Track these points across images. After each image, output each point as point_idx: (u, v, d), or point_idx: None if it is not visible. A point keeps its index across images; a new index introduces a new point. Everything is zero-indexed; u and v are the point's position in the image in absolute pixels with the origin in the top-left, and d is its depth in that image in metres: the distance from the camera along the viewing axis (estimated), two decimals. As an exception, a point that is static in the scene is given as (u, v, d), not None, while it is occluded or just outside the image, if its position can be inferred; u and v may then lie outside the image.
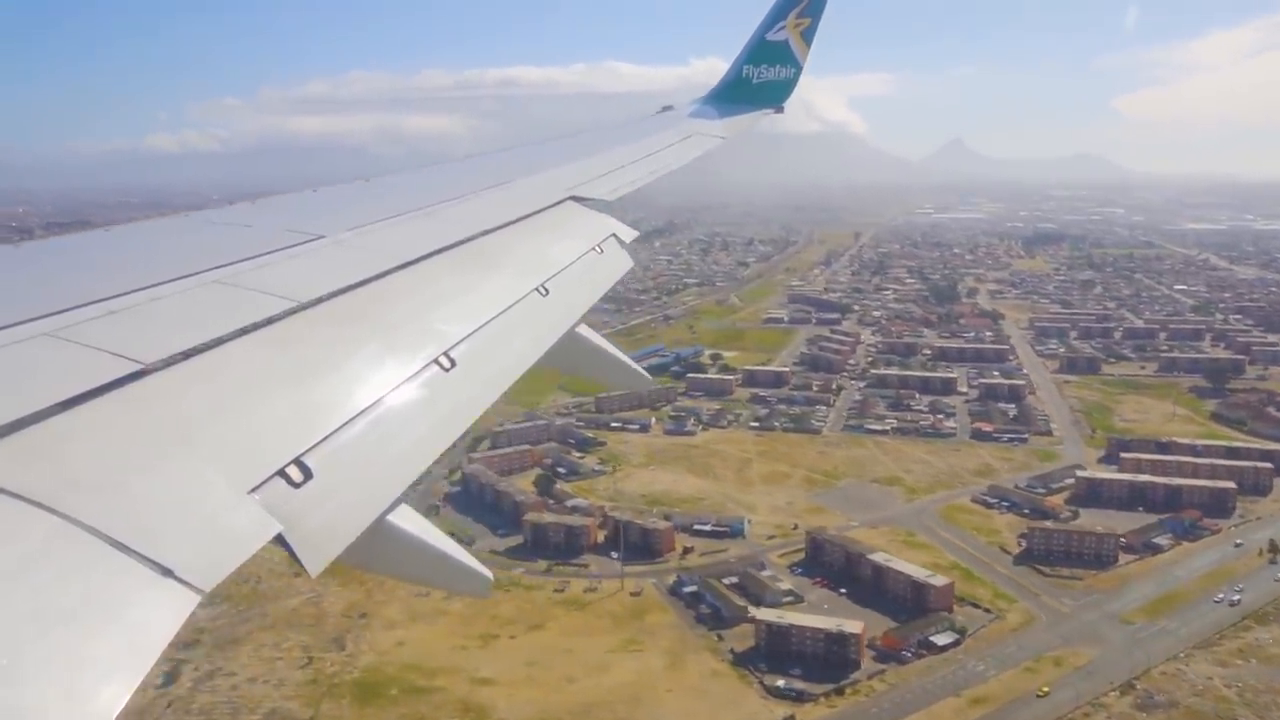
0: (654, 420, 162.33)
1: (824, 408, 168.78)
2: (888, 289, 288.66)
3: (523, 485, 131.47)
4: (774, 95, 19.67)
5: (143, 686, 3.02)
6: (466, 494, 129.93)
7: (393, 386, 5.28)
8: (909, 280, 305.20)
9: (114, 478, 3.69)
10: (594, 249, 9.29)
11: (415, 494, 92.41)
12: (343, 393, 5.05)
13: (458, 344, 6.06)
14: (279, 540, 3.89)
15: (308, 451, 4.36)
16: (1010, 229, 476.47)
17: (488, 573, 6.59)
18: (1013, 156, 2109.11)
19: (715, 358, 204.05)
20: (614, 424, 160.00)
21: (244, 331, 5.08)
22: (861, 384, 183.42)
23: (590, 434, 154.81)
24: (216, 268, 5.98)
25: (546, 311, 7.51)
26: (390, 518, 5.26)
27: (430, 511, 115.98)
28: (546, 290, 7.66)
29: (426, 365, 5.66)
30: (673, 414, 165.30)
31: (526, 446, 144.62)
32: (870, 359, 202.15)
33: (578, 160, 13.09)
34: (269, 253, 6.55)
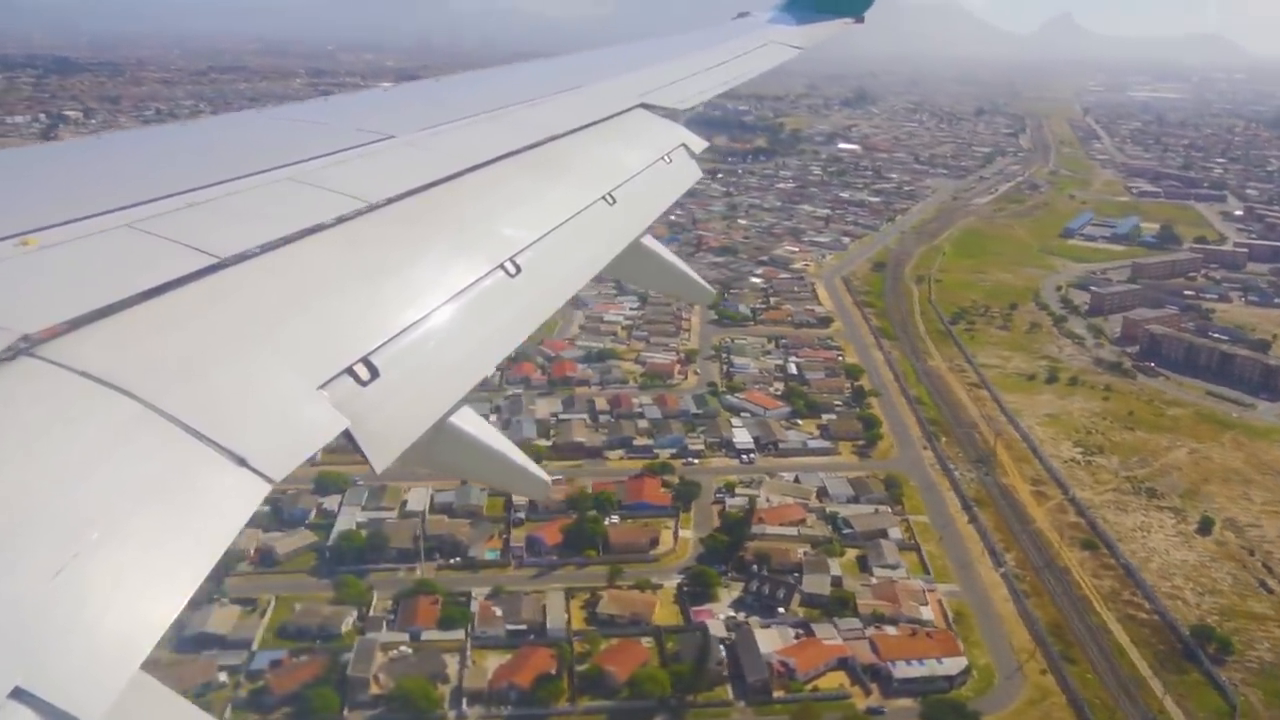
0: None
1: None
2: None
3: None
4: (855, 3, 19.11)
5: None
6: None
7: (459, 290, 5.34)
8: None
9: (191, 367, 3.82)
10: (662, 158, 9.17)
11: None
12: (410, 294, 5.14)
13: (523, 250, 6.09)
14: (345, 435, 3.98)
15: (375, 351, 4.45)
16: (1238, 110, 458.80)
17: (546, 477, 6.82)
18: (1123, 34, 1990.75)
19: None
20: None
21: (317, 229, 5.16)
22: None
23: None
24: (291, 164, 6.04)
25: (613, 221, 7.48)
26: (453, 419, 5.39)
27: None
28: (614, 199, 7.61)
29: (492, 270, 5.70)
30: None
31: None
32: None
33: (650, 66, 12.89)
34: (341, 151, 6.59)
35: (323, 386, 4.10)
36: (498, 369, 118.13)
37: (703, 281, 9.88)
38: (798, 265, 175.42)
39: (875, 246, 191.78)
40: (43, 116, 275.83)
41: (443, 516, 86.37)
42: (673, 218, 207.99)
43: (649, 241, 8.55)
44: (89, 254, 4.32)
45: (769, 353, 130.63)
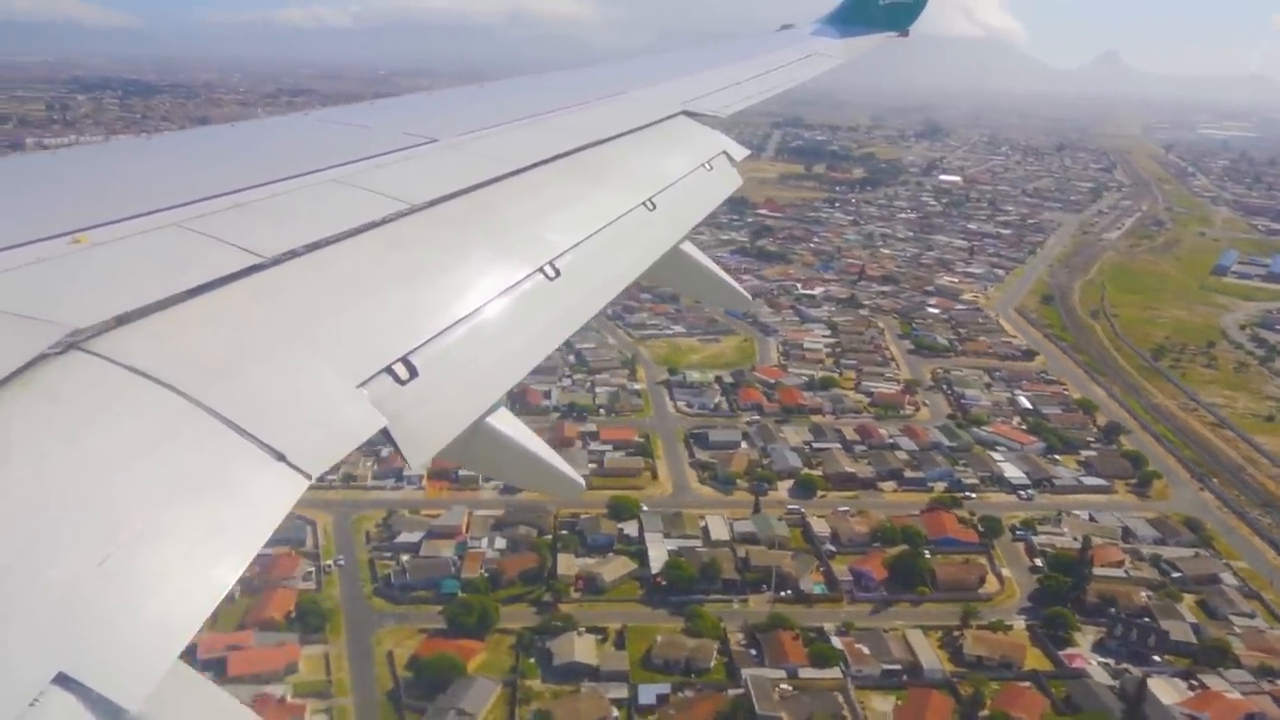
0: None
1: None
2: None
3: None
4: (900, 17, 18.89)
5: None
6: None
7: (498, 292, 5.37)
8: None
9: (235, 364, 3.87)
10: (703, 165, 9.17)
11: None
12: (450, 295, 5.17)
13: (563, 254, 6.10)
14: (384, 434, 4.04)
15: (414, 350, 4.51)
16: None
17: (579, 479, 6.65)
18: (1168, 73, 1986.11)
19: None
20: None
21: (359, 230, 5.22)
22: None
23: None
24: (335, 166, 6.11)
25: (653, 226, 7.47)
26: (489, 420, 5.37)
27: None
28: (654, 205, 7.61)
29: (531, 273, 5.72)
30: None
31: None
32: None
33: (692, 74, 12.89)
34: (385, 154, 6.66)
35: (362, 385, 4.15)
36: (724, 394, 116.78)
37: (742, 290, 9.87)
38: (968, 296, 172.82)
39: (1029, 279, 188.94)
40: (144, 136, 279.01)
41: (758, 547, 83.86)
42: (813, 244, 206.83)
43: (688, 248, 8.55)
44: (138, 252, 4.41)
45: (989, 385, 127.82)
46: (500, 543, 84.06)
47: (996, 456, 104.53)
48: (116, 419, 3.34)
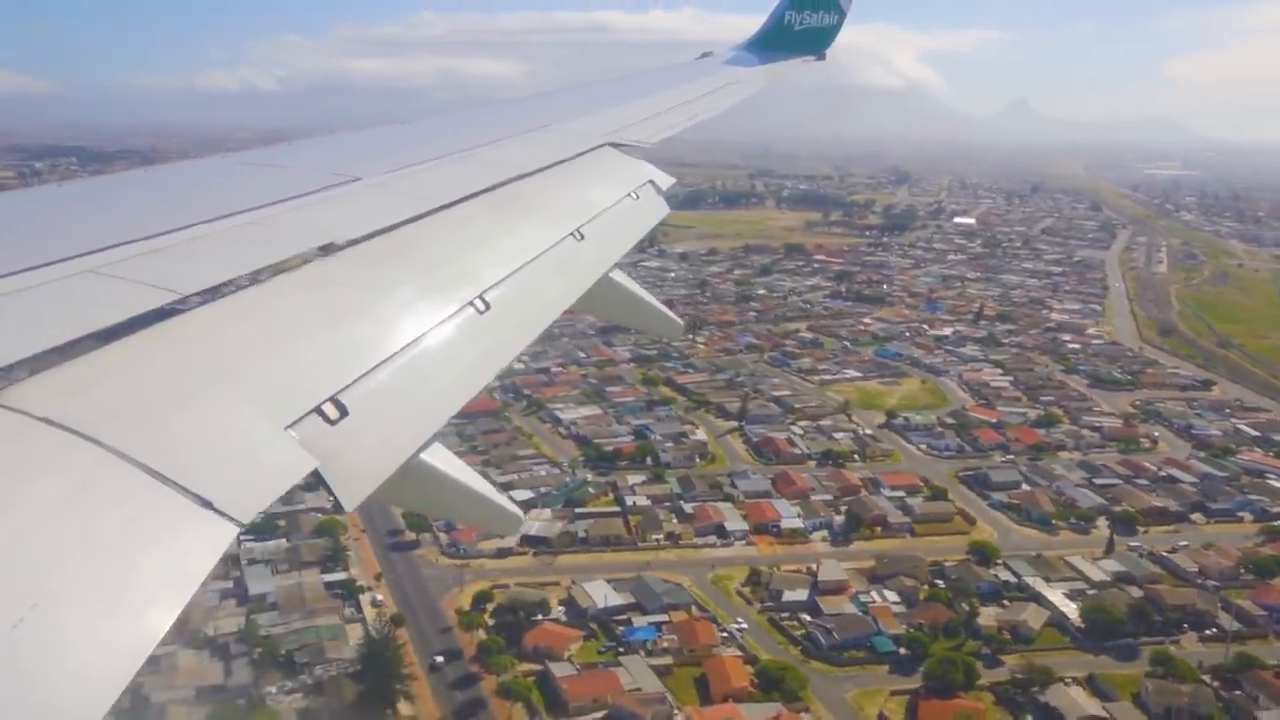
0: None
1: None
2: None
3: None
4: (816, 42, 19.31)
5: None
6: None
7: (428, 328, 5.29)
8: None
9: (154, 411, 3.75)
10: (630, 195, 9.21)
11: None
12: (379, 333, 5.09)
13: (492, 287, 6.05)
14: (315, 476, 3.93)
15: (344, 389, 4.40)
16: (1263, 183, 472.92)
17: (519, 512, 6.70)
18: (1077, 118, 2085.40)
19: None
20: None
21: (281, 270, 5.13)
22: None
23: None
24: (254, 209, 6.02)
25: (582, 256, 7.50)
26: (424, 456, 5.35)
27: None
28: (582, 235, 7.62)
29: (461, 308, 5.67)
30: None
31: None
32: None
33: (615, 106, 13.04)
34: (306, 194, 6.56)
35: (290, 426, 4.04)
36: (957, 435, 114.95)
37: (673, 315, 9.91)
38: (1090, 331, 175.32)
39: (1123, 313, 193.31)
40: (54, 184, 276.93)
41: (1159, 586, 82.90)
42: (896, 285, 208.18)
43: (619, 276, 8.51)
44: (48, 299, 4.28)
45: (1199, 415, 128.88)
46: (890, 595, 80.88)
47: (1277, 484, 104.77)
48: (30, 473, 3.20)
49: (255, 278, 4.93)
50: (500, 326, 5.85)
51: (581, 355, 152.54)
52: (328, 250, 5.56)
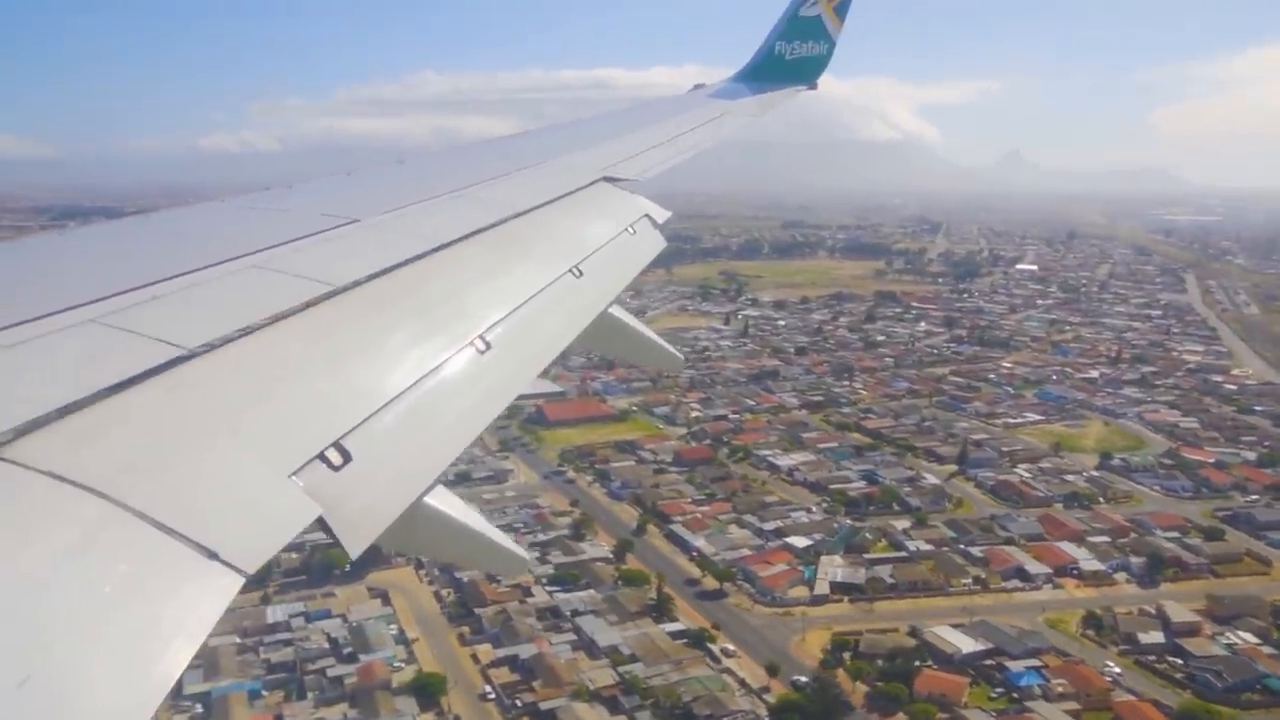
0: None
1: None
2: None
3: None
4: (807, 72, 19.37)
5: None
6: None
7: (429, 369, 5.25)
8: None
9: (159, 462, 3.72)
10: (627, 230, 9.22)
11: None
12: (380, 376, 5.03)
13: (492, 326, 6.04)
14: (319, 523, 3.90)
15: (346, 435, 4.37)
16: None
17: (525, 554, 6.59)
18: (1068, 168, 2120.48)
19: None
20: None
21: (281, 316, 5.07)
22: None
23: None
24: (253, 253, 5.97)
25: (580, 293, 7.47)
26: (428, 499, 5.25)
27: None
28: (580, 272, 7.61)
29: (462, 348, 5.64)
30: None
31: None
32: None
33: (609, 141, 13.04)
34: (304, 237, 6.52)
35: (294, 474, 4.01)
36: (1182, 478, 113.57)
37: (673, 350, 9.90)
38: (1236, 372, 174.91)
39: (1246, 354, 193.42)
40: (54, 232, 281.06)
41: None
42: (1004, 331, 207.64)
43: (618, 311, 8.50)
44: (51, 352, 4.26)
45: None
46: (1247, 635, 79.24)
47: None
48: (34, 528, 3.18)
49: (257, 323, 4.86)
50: (501, 366, 5.81)
51: (751, 403, 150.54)
52: (327, 294, 5.49)
